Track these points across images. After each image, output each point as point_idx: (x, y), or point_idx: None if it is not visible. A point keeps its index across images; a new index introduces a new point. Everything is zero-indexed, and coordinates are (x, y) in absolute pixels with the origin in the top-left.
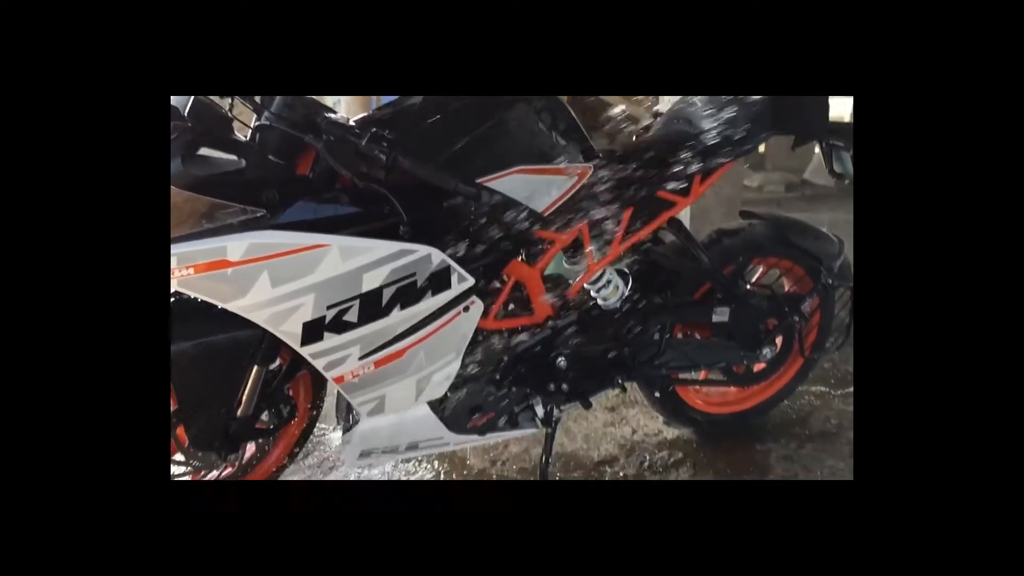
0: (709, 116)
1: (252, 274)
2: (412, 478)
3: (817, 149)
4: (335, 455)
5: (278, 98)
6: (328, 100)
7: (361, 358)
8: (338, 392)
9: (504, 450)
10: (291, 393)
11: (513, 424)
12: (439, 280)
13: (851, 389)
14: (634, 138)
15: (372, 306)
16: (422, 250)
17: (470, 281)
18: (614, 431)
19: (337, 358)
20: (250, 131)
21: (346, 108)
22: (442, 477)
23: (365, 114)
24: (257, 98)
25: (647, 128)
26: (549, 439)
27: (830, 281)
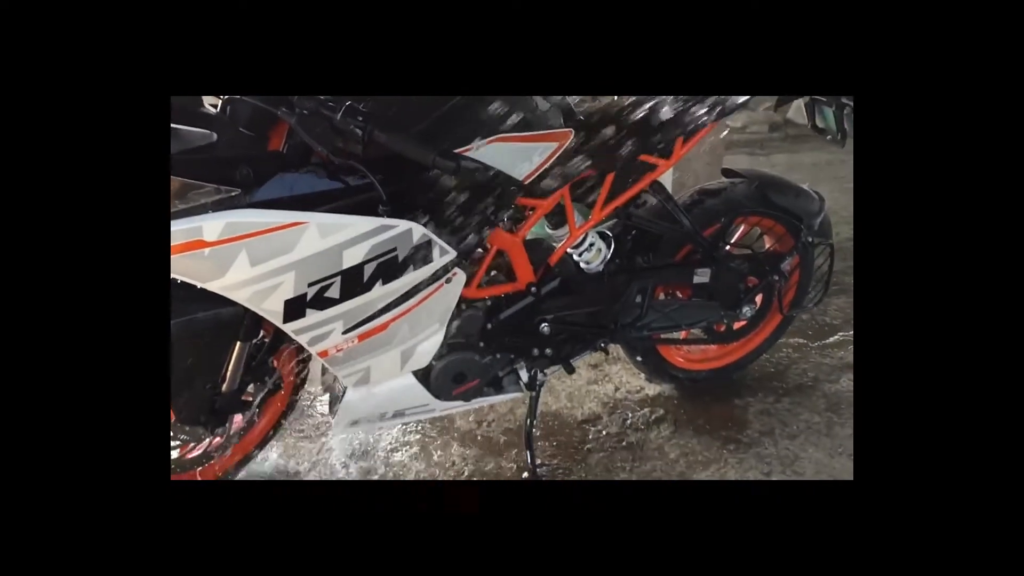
0: None
1: (230, 254)
2: (400, 443)
3: (801, 103)
4: (323, 422)
5: None
6: None
7: (344, 332)
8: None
9: (490, 411)
10: (276, 365)
11: (498, 389)
12: (421, 254)
13: (829, 340)
14: (615, 98)
15: (354, 282)
16: (402, 225)
17: (452, 254)
18: (597, 389)
19: (320, 333)
20: (220, 103)
21: None
22: (428, 439)
23: None
24: None
25: None
26: (533, 402)
27: (810, 239)
